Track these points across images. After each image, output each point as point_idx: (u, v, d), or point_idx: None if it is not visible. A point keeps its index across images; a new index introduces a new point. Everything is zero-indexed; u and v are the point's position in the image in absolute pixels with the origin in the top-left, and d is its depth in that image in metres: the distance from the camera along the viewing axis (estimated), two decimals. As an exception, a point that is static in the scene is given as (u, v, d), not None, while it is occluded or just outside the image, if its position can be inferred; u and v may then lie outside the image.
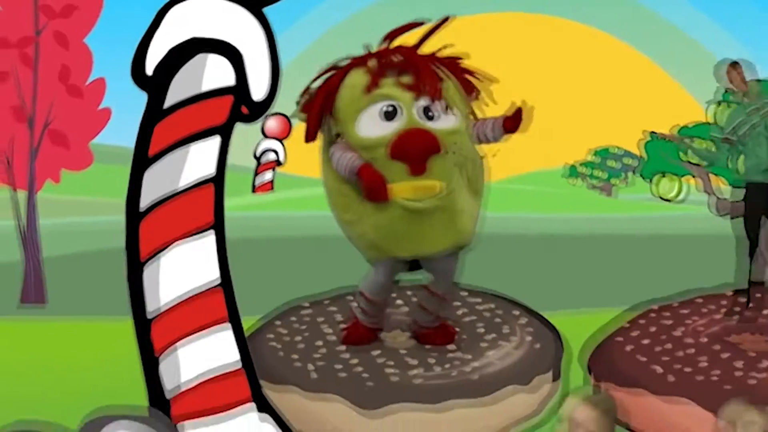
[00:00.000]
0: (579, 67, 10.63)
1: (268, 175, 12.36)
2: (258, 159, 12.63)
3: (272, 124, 12.43)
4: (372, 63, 6.17)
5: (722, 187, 10.91)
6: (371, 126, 6.04)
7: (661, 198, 9.89)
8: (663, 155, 8.66)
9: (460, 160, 6.06)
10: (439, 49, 6.34)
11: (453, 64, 6.25)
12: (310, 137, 6.28)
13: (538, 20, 11.22)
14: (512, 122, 6.20)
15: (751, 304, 6.75)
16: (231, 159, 9.83)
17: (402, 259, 6.24)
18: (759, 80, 7.04)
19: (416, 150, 5.88)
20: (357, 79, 6.15)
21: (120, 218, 6.30)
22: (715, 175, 10.68)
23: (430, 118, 5.99)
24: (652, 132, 7.73)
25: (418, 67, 6.08)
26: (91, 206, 11.71)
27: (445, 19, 6.30)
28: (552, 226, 11.19)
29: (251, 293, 6.95)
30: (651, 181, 9.93)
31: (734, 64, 6.93)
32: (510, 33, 11.15)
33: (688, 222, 8.12)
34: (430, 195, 5.91)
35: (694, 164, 8.94)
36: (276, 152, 12.35)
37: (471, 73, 6.32)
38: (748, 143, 6.84)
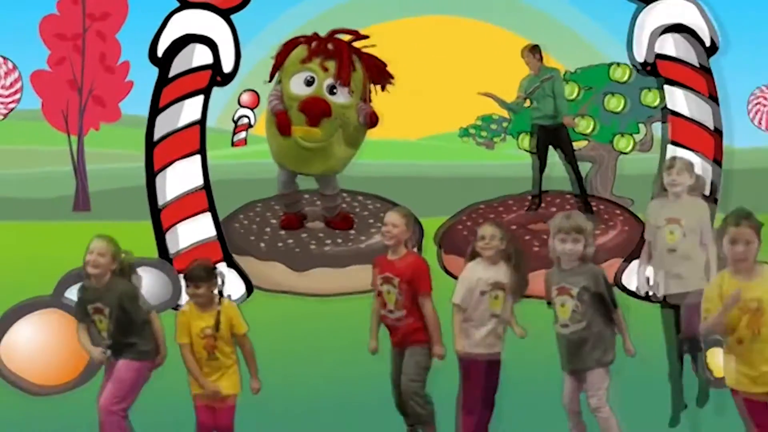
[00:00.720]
0: (474, 57, 11.66)
1: (242, 135, 12.76)
2: (235, 122, 13.07)
3: (246, 97, 12.50)
4: (314, 44, 7.61)
5: None
6: (296, 86, 7.59)
7: (525, 150, 10.77)
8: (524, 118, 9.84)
9: (343, 124, 7.62)
10: (366, 46, 7.73)
11: (370, 59, 7.71)
12: (270, 79, 7.77)
13: (446, 21, 12.24)
14: (369, 121, 7.63)
15: (534, 201, 8.44)
16: (216, 123, 11.16)
17: (293, 171, 7.77)
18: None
19: (314, 110, 7.47)
20: (301, 51, 7.64)
21: (135, 164, 7.63)
22: None
23: (333, 93, 7.55)
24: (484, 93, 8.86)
25: (340, 59, 7.54)
26: (116, 157, 12.99)
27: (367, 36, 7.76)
28: (450, 170, 12.64)
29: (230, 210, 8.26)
30: (517, 137, 10.89)
31: (528, 48, 8.51)
32: (426, 33, 12.08)
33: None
34: (313, 140, 7.51)
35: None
36: (248, 117, 12.98)
37: (380, 70, 7.74)
38: (535, 100, 8.49)
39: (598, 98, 11.41)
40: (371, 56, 7.79)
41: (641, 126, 11.24)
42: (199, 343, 5.50)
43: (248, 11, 7.75)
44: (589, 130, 11.33)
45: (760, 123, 13.86)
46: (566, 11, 12.54)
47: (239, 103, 13.20)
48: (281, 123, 7.55)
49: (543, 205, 8.49)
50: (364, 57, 7.76)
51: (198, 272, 5.55)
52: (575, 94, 11.09)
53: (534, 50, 8.50)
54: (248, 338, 5.60)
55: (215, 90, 7.72)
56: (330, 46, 7.68)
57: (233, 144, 12.03)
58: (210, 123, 7.94)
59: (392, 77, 7.85)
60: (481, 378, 5.56)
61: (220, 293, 5.56)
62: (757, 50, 12.71)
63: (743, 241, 4.63)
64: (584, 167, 11.75)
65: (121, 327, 5.54)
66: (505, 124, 11.96)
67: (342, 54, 7.63)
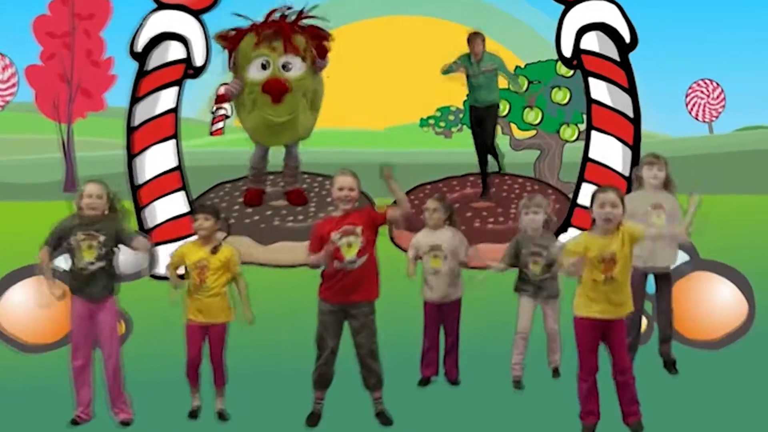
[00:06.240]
0: (436, 53, 12.11)
1: (220, 125, 13.42)
2: (213, 114, 13.62)
3: (223, 90, 13.53)
4: (259, 31, 7.99)
5: (515, 131, 12.74)
6: (255, 72, 8.05)
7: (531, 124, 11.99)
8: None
9: (303, 92, 8.08)
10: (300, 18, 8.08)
11: (311, 31, 8.10)
12: (230, 67, 8.21)
13: (411, 20, 12.84)
14: (320, 54, 7.99)
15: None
16: (196, 114, 11.49)
17: (267, 145, 8.24)
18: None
19: (274, 90, 7.95)
20: (250, 40, 8.04)
21: (119, 152, 7.79)
22: (510, 122, 13.00)
23: (287, 70, 7.99)
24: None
25: (283, 36, 7.96)
26: (102, 144, 13.29)
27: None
28: (410, 156, 12.50)
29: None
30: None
31: (474, 35, 8.81)
32: (390, 31, 12.65)
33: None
34: (281, 116, 8.01)
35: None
36: (225, 109, 13.32)
37: (322, 37, 8.11)
38: (473, 88, 8.89)
39: (546, 91, 11.98)
40: (309, 26, 8.20)
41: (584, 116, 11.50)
42: (193, 271, 5.99)
43: (221, 12, 8.06)
44: (537, 121, 11.88)
45: (696, 115, 14.38)
46: (524, 9, 13.05)
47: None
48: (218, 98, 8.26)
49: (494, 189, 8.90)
50: (306, 29, 8.16)
51: (210, 207, 6.18)
52: (524, 88, 11.80)
53: (479, 35, 8.86)
54: (242, 278, 6.11)
55: (197, 83, 8.13)
56: (273, 28, 8.08)
57: (211, 133, 12.43)
58: (191, 114, 8.50)
59: (329, 36, 8.21)
60: (433, 319, 6.57)
61: (227, 234, 6.18)
62: (694, 47, 13.22)
63: (610, 204, 5.34)
64: (532, 155, 12.48)
65: (111, 258, 5.90)
66: (461, 115, 12.68)
67: (284, 30, 8.03)
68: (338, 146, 11.03)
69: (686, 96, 14.62)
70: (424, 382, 6.57)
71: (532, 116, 12.14)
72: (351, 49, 8.95)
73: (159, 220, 7.84)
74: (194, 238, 6.17)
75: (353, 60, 10.48)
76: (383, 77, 11.78)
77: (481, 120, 9.07)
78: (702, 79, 14.70)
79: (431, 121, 13.13)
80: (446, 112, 13.01)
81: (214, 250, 6.03)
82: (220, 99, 8.33)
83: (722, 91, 14.88)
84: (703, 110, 14.77)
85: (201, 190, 8.61)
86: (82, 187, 5.99)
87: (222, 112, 8.63)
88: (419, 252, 6.56)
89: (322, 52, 8.16)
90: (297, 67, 8.10)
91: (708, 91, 14.78)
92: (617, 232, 5.43)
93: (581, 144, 8.47)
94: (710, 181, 11.40)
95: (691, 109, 14.57)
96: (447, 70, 9.04)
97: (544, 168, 12.07)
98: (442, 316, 6.61)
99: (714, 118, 14.86)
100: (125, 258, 6.76)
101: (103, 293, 5.93)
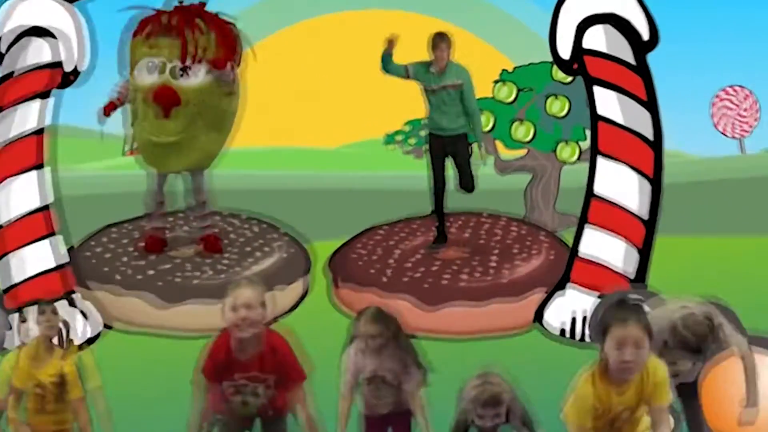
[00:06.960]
0: (408, 52, 11.38)
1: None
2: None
3: (110, 96, 12.83)
4: (152, 24, 7.12)
5: (501, 150, 11.97)
6: (142, 74, 7.10)
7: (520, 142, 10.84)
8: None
9: (201, 110, 7.12)
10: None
11: (223, 27, 7.18)
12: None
13: (374, 15, 11.91)
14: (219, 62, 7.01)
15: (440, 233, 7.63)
16: (109, 128, 10.64)
17: (162, 173, 7.37)
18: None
19: (162, 102, 6.96)
20: (139, 38, 7.14)
21: None
22: (495, 139, 11.97)
23: (180, 76, 7.03)
24: None
25: (180, 34, 7.05)
26: None
27: None
28: (372, 181, 11.79)
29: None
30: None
31: (439, 38, 7.50)
32: (347, 28, 11.74)
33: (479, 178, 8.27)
34: (166, 134, 7.05)
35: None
36: None
37: (231, 37, 7.17)
38: (434, 105, 7.62)
39: (539, 101, 11.26)
40: (222, 23, 7.28)
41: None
42: (51, 393, 5.18)
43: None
44: (528, 138, 11.11)
45: (725, 129, 13.61)
46: (517, 2, 12.32)
47: (134, 107, 13.44)
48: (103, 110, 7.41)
49: (454, 230, 7.84)
50: (216, 23, 7.27)
51: (48, 301, 5.39)
52: (512, 97, 11.01)
53: (445, 39, 7.57)
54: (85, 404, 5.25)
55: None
56: (165, 19, 7.19)
57: (125, 153, 11.52)
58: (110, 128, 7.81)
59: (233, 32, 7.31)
60: None
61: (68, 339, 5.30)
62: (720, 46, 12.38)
63: (632, 344, 3.86)
64: (524, 179, 11.46)
65: None
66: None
67: (179, 28, 7.17)
68: (277, 168, 10.57)
69: (712, 106, 13.75)
70: None
71: (522, 132, 11.37)
72: (300, 50, 8.47)
73: (19, 278, 7.00)
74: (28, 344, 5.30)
75: (300, 64, 10.00)
76: (337, 83, 11.23)
77: (452, 154, 7.80)
78: (731, 86, 13.83)
79: (399, 138, 12.29)
80: (417, 127, 12.09)
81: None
82: (107, 109, 7.42)
83: (756, 100, 14.06)
84: (732, 124, 13.93)
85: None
86: None
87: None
88: (358, 378, 5.28)
89: (223, 59, 7.14)
90: (196, 75, 7.16)
91: (738, 100, 14.03)
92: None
93: (583, 167, 7.94)
94: (739, 215, 10.38)
95: (718, 122, 13.68)
96: (387, 67, 7.67)
97: (537, 196, 11.22)
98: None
99: (745, 134, 14.24)
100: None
101: None
